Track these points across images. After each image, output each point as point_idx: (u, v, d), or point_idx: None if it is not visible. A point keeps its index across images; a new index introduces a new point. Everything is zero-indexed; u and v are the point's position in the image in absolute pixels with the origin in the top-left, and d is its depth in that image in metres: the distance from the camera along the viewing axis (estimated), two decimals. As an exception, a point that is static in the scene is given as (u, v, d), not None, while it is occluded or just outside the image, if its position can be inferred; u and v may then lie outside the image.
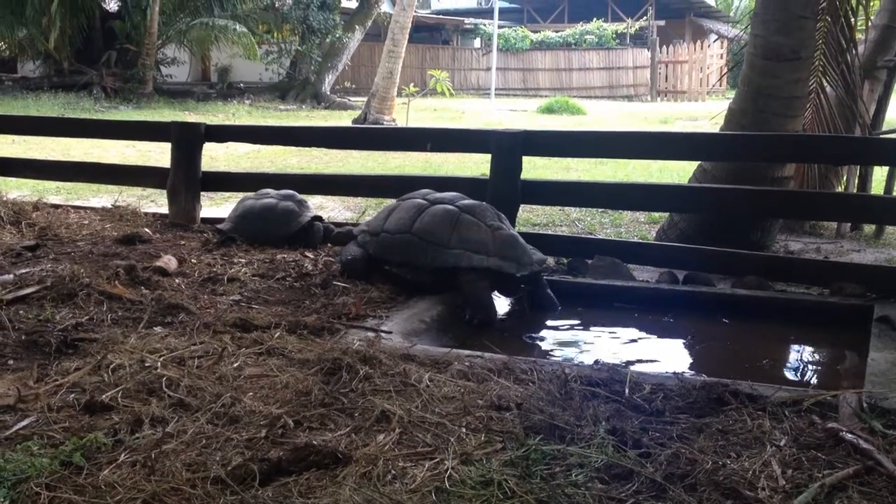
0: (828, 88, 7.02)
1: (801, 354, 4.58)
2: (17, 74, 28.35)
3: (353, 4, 27.82)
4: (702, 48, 32.37)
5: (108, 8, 26.25)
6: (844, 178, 7.80)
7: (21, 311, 4.06)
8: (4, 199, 6.97)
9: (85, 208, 7.16)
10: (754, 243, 6.21)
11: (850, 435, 2.76)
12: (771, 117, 6.14)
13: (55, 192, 9.13)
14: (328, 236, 6.03)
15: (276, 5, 25.87)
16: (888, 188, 7.57)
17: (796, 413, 3.02)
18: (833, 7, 6.69)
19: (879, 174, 8.10)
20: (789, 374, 4.32)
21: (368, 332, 3.98)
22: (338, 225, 6.33)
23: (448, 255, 4.68)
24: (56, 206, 7.08)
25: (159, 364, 3.32)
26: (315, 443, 2.64)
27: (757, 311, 4.87)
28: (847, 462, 2.63)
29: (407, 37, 19.11)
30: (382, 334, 3.96)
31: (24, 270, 4.85)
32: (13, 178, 8.67)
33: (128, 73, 23.70)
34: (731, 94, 8.69)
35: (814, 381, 4.15)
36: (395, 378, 3.25)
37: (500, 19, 30.80)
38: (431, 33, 37.91)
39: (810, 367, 4.42)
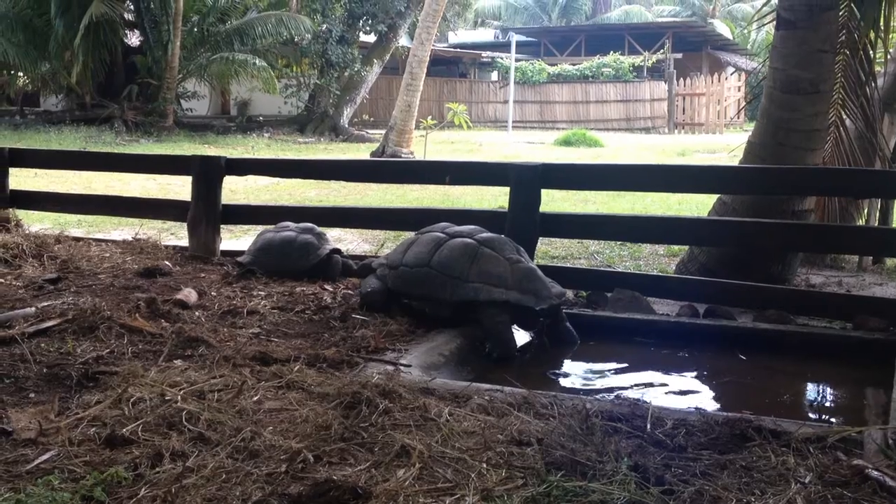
0: (847, 121, 7.01)
1: (824, 390, 4.53)
2: (39, 108, 28.76)
3: (372, 38, 28.10)
4: (719, 81, 32.44)
5: (129, 43, 26.63)
6: (865, 211, 7.76)
7: (43, 344, 4.08)
8: (27, 231, 7.05)
9: (106, 241, 7.21)
10: (775, 276, 6.17)
11: (875, 472, 2.72)
12: (791, 150, 6.13)
13: (77, 225, 9.20)
14: (347, 269, 6.04)
15: (296, 40, 26.15)
16: (910, 221, 7.52)
17: (821, 450, 2.98)
18: (852, 41, 6.70)
19: (900, 207, 8.04)
20: (812, 410, 4.27)
21: (388, 366, 3.97)
22: (356, 258, 6.34)
23: (467, 289, 4.67)
24: (77, 239, 7.12)
25: (179, 398, 3.31)
26: (335, 478, 2.63)
27: (778, 345, 4.83)
28: (873, 500, 2.59)
29: (425, 70, 19.26)
30: (402, 368, 3.96)
31: (45, 303, 4.88)
32: (35, 211, 8.74)
33: (149, 106, 23.98)
34: (750, 127, 8.69)
35: (838, 417, 4.10)
36: (415, 412, 3.24)
37: (517, 52, 31.02)
38: (449, 66, 38.21)
39: (834, 402, 4.37)
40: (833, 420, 4.01)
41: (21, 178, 9.30)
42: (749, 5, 41.65)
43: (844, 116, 6.99)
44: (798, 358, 4.72)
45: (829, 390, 4.51)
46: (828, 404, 4.36)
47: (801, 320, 5.25)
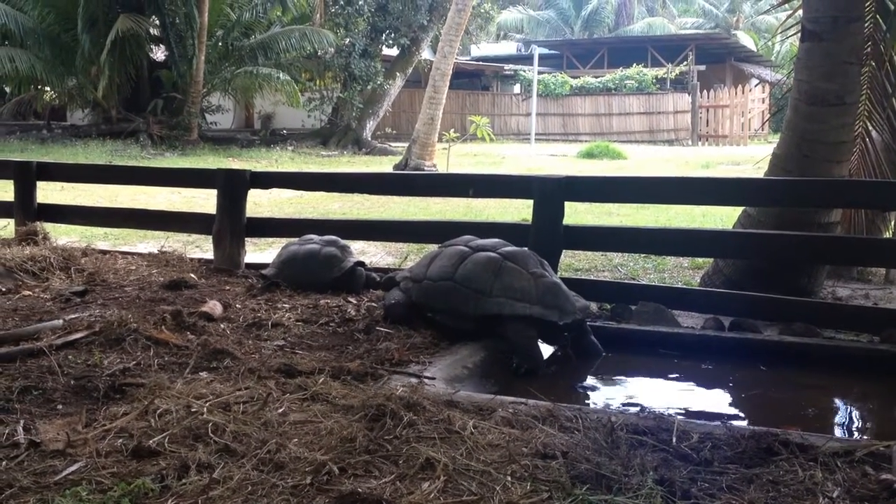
0: (873, 133, 6.95)
1: (851, 403, 4.49)
2: (66, 122, 29.10)
3: (395, 52, 28.23)
4: (743, 92, 32.30)
5: (155, 57, 26.93)
6: (892, 223, 7.69)
7: (70, 356, 4.12)
8: (54, 244, 7.11)
9: (132, 254, 7.26)
10: (801, 289, 6.12)
11: (904, 487, 2.70)
12: (816, 162, 6.09)
13: (103, 238, 9.29)
14: (370, 282, 6.05)
15: (319, 54, 26.32)
16: (937, 233, 7.44)
17: (848, 464, 2.96)
18: (878, 52, 6.66)
19: (928, 219, 7.96)
20: (839, 424, 4.24)
21: (412, 378, 3.97)
22: (380, 270, 6.35)
23: (490, 304, 4.66)
24: (104, 252, 7.18)
25: (205, 409, 3.33)
26: (360, 490, 2.63)
27: (805, 358, 4.79)
28: (903, 515, 2.57)
29: (448, 83, 19.31)
30: (426, 380, 3.95)
31: (73, 315, 4.92)
32: (62, 225, 8.83)
33: (174, 120, 24.19)
34: (774, 139, 8.65)
35: (865, 430, 4.06)
36: (439, 425, 3.23)
37: (539, 65, 31.03)
38: (471, 79, 38.30)
39: (861, 416, 4.33)
40: (861, 434, 3.97)
41: (48, 192, 9.41)
42: (773, 17, 41.53)
43: (871, 128, 6.93)
44: (825, 371, 4.67)
45: (856, 404, 4.47)
46: (855, 418, 4.32)
47: (827, 333, 5.21)
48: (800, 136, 6.19)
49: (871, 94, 6.77)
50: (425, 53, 28.59)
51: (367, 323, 5.00)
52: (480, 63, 38.64)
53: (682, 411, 3.97)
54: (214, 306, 5.19)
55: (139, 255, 7.23)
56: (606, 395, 4.46)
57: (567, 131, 33.87)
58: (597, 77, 34.74)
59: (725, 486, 2.76)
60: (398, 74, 27.62)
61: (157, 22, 25.29)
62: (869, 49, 6.57)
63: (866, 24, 6.42)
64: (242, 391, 3.62)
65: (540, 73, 32.42)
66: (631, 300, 5.61)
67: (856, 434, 4.01)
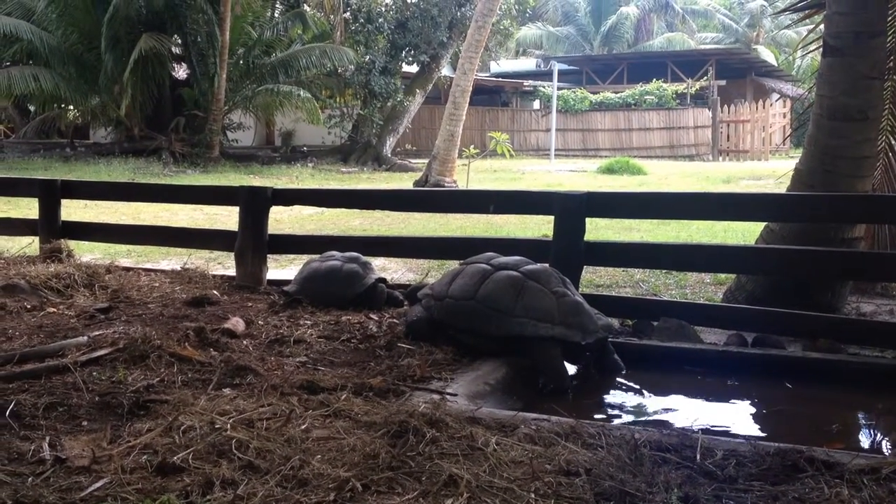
0: (897, 148, 6.92)
1: (876, 420, 4.44)
2: (89, 140, 29.41)
3: (414, 69, 28.35)
4: (764, 107, 32.22)
5: (177, 76, 27.18)
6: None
7: (95, 373, 4.15)
8: (78, 262, 7.17)
9: (155, 271, 7.31)
10: (825, 305, 6.08)
11: (933, 505, 2.67)
12: (839, 177, 6.06)
13: (126, 255, 9.35)
14: (391, 299, 6.06)
15: (339, 71, 26.50)
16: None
17: (875, 481, 2.93)
18: (901, 67, 6.64)
19: (952, 234, 7.88)
20: (865, 441, 4.20)
21: (434, 395, 3.96)
22: (401, 286, 6.36)
23: (513, 324, 4.64)
24: (127, 269, 7.23)
25: (229, 426, 3.34)
26: (383, 507, 2.64)
27: (829, 375, 4.75)
28: (931, 534, 2.54)
29: (467, 100, 19.32)
30: (448, 397, 3.95)
31: (97, 332, 4.96)
32: (86, 242, 8.90)
33: (195, 138, 24.37)
34: (795, 154, 8.60)
35: (892, 447, 4.02)
36: (462, 441, 3.23)
37: (559, 81, 31.05)
38: (491, 95, 38.41)
39: (887, 433, 4.29)
40: (887, 451, 3.94)
41: (71, 209, 9.50)
42: (794, 31, 41.38)
43: (894, 143, 6.90)
44: (849, 388, 4.63)
45: (882, 420, 4.43)
46: (881, 435, 4.27)
47: (851, 349, 5.17)
48: (822, 151, 6.16)
49: (893, 109, 6.74)
50: (445, 70, 28.72)
51: (388, 339, 5.01)
52: (500, 79, 38.75)
53: (706, 428, 3.94)
54: (237, 323, 5.22)
55: (162, 271, 7.28)
56: (628, 412, 4.44)
57: (587, 147, 33.87)
58: (616, 92, 34.76)
59: (751, 503, 2.74)
60: (418, 91, 27.75)
61: (180, 41, 25.57)
62: (892, 63, 6.54)
63: (889, 39, 6.40)
64: (265, 407, 3.63)
65: (559, 88, 32.45)
66: (652, 316, 5.60)
67: (882, 451, 3.97)
